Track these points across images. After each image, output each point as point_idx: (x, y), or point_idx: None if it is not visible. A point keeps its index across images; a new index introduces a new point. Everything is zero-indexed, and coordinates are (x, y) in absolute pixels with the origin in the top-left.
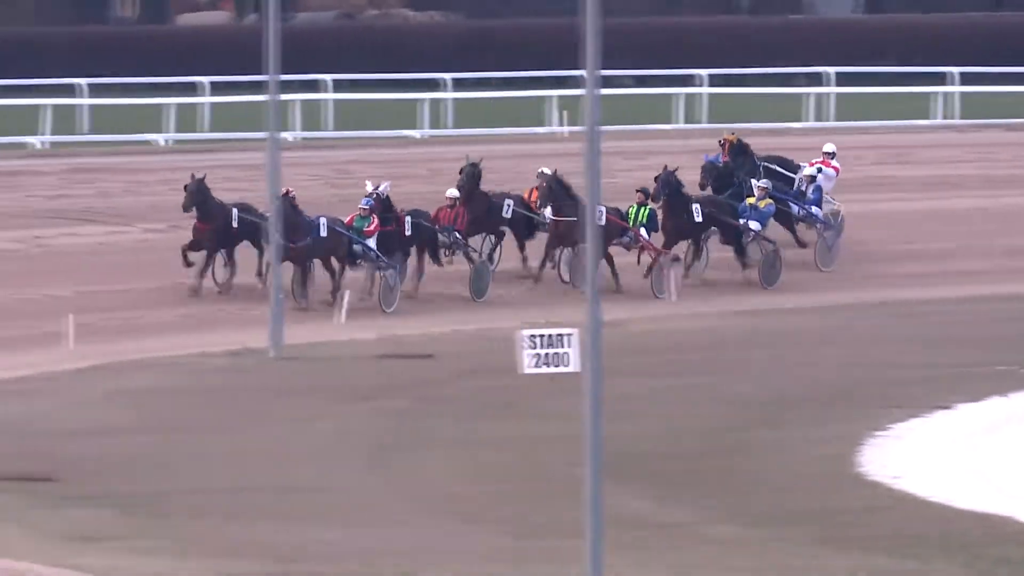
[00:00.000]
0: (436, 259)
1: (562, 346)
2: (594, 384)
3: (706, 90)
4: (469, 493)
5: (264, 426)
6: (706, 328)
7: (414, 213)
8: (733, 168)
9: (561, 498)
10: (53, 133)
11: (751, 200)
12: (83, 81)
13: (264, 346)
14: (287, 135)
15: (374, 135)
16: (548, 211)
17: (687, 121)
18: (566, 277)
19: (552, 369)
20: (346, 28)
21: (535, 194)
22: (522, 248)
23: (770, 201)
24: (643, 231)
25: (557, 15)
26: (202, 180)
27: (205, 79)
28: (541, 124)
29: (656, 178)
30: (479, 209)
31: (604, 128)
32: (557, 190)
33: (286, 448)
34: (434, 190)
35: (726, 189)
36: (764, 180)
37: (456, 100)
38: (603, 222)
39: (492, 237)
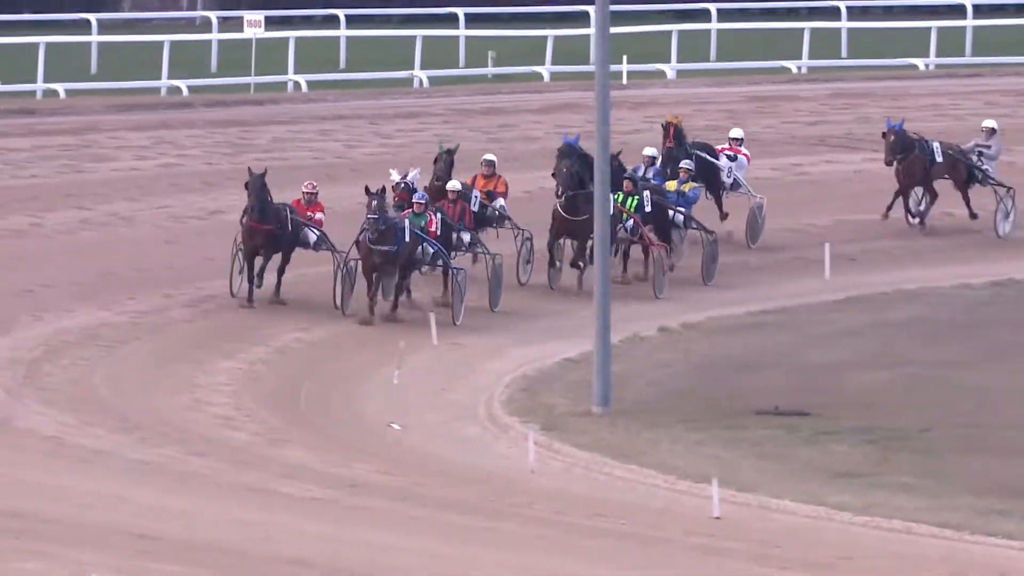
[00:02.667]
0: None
1: None
2: None
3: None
4: None
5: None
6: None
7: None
8: (676, 156)
9: None
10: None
11: (672, 185)
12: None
13: None
14: None
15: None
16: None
17: None
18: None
19: None
20: None
21: (480, 181)
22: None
23: (695, 184)
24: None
25: None
26: (263, 176)
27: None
28: None
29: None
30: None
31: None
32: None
33: None
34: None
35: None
36: (686, 160)
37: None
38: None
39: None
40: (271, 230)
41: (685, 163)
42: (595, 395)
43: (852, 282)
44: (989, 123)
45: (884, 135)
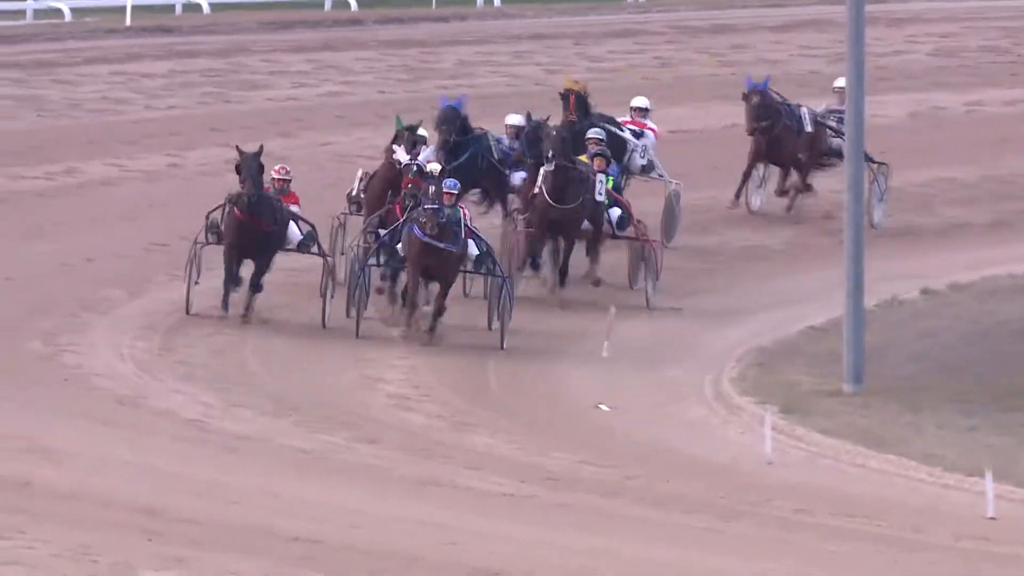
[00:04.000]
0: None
1: None
2: None
3: None
4: None
5: None
6: None
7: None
8: (579, 129)
9: None
10: None
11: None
12: None
13: None
14: None
15: None
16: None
17: None
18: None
19: None
20: None
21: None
22: None
23: (604, 161)
24: None
25: None
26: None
27: None
28: None
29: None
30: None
31: None
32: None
33: None
34: None
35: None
36: (595, 130)
37: None
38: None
39: None
40: (269, 229)
41: (595, 132)
42: (845, 371)
43: None
44: (840, 82)
45: (745, 96)
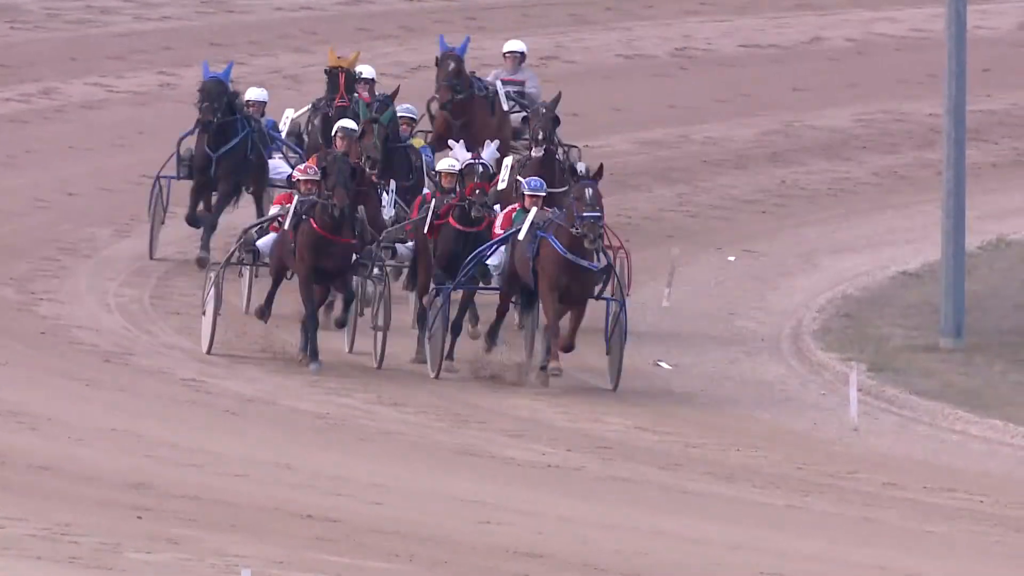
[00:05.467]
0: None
1: None
2: None
3: None
4: None
5: None
6: None
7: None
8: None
9: None
10: None
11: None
12: None
13: None
14: None
15: None
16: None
17: None
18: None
19: None
20: None
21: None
22: None
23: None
24: None
25: None
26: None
27: None
28: None
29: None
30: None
31: None
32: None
33: None
34: None
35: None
36: (407, 107)
37: None
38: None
39: None
40: (353, 243)
41: (407, 109)
42: (943, 323)
43: None
44: (515, 45)
45: (438, 60)
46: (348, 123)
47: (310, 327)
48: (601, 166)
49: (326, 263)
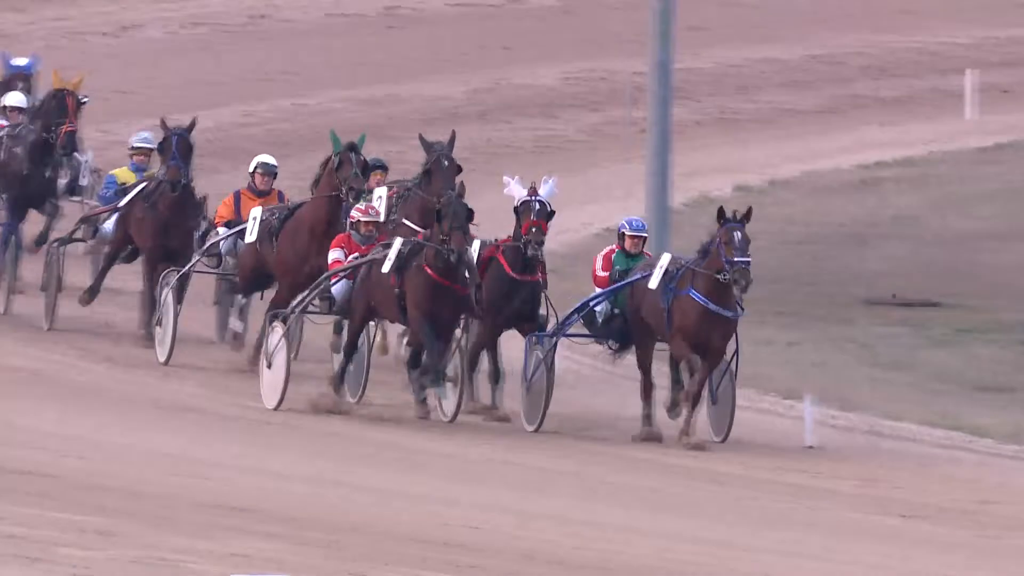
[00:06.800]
0: None
1: None
2: None
3: None
4: None
5: None
6: None
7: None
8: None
9: None
10: None
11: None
12: None
13: None
14: None
15: None
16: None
17: None
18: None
19: None
20: None
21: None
22: None
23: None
24: None
25: None
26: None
27: None
28: None
29: None
30: None
31: None
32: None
33: None
34: None
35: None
36: (141, 136)
37: None
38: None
39: None
40: (467, 293)
41: (140, 139)
42: None
43: (1006, 123)
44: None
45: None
46: (267, 158)
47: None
48: (750, 209)
49: (442, 312)
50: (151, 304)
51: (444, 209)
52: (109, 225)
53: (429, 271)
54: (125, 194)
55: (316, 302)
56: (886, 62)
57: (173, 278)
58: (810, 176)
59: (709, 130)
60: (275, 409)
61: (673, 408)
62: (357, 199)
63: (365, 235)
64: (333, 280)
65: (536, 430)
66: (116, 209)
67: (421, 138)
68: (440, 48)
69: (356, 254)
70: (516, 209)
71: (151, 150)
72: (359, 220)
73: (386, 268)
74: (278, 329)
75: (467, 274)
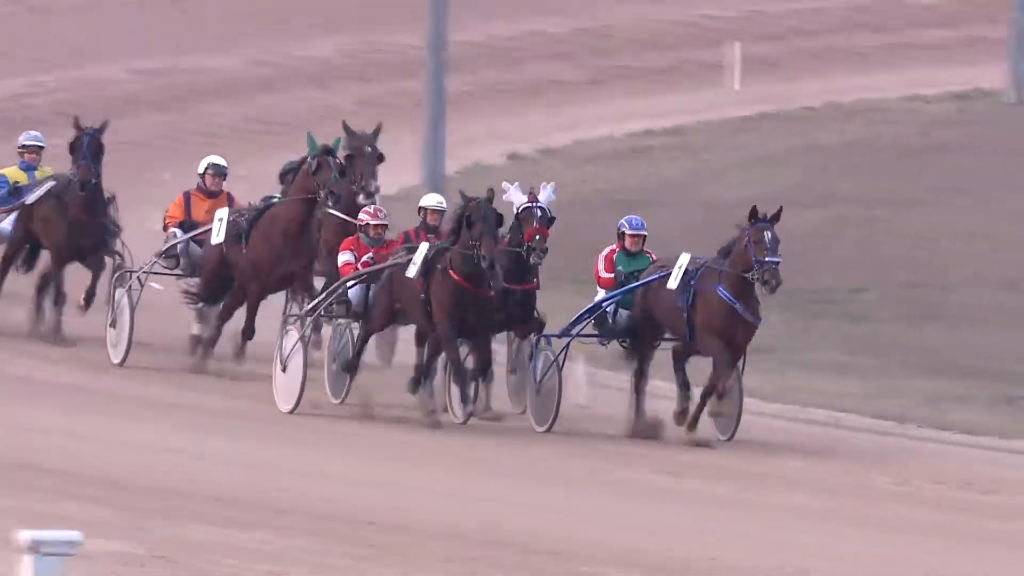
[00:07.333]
0: None
1: None
2: None
3: None
4: None
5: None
6: None
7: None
8: None
9: None
10: None
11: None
12: None
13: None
14: None
15: None
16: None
17: None
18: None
19: None
20: None
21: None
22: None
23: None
24: None
25: None
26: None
27: None
28: None
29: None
30: None
31: None
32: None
33: None
34: None
35: None
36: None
37: None
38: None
39: None
40: (493, 300)
41: (30, 137)
42: None
43: (768, 92)
44: None
45: None
46: (217, 159)
47: (461, 379)
48: (780, 209)
49: (469, 318)
50: (61, 300)
51: (474, 214)
52: (7, 224)
53: (455, 276)
54: (19, 193)
55: (308, 302)
56: (653, 34)
57: (128, 279)
58: (581, 145)
59: (482, 100)
60: (291, 413)
61: (681, 416)
62: (337, 202)
63: (374, 238)
64: (350, 284)
65: (547, 430)
66: (14, 208)
67: (345, 126)
68: (218, 20)
69: (369, 254)
70: (517, 215)
71: (41, 148)
72: (368, 223)
73: (412, 273)
74: (293, 333)
75: (492, 280)
